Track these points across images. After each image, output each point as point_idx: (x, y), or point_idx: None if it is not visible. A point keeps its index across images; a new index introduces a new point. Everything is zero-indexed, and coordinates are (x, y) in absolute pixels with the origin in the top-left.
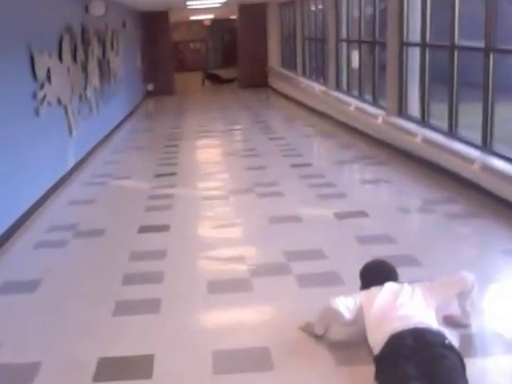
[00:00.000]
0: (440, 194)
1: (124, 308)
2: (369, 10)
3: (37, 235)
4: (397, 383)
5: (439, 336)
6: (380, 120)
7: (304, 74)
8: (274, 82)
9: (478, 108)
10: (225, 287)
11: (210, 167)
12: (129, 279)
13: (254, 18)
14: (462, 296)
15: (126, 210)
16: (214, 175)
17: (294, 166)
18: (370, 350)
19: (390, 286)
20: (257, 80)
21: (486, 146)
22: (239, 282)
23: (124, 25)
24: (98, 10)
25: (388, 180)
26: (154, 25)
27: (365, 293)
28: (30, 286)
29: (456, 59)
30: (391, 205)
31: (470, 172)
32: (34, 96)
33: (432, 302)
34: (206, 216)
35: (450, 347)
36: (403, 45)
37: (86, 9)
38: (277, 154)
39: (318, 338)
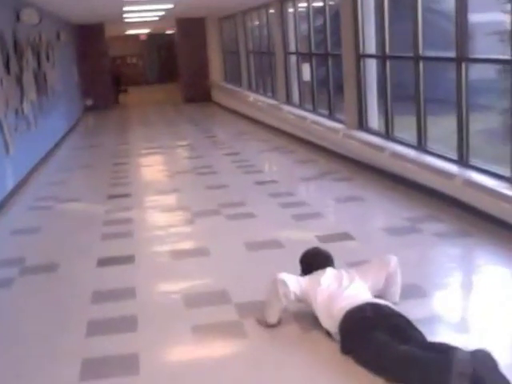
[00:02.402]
0: (420, 211)
1: (93, 369)
2: (318, 22)
3: None
4: (374, 350)
5: (390, 307)
6: (340, 134)
7: (250, 87)
8: (217, 96)
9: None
10: (213, 333)
11: (167, 186)
12: (95, 328)
13: (192, 31)
14: (390, 279)
15: (79, 238)
16: (174, 195)
17: (258, 183)
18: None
19: (331, 271)
20: (199, 95)
21: (462, 160)
22: (229, 325)
23: (58, 36)
24: (30, 18)
25: (361, 197)
26: (89, 38)
27: (308, 278)
28: None
29: (422, 70)
30: (374, 225)
31: (449, 187)
32: None
33: (367, 283)
34: (174, 243)
35: (401, 314)
36: (360, 57)
37: (18, 17)
38: (236, 171)
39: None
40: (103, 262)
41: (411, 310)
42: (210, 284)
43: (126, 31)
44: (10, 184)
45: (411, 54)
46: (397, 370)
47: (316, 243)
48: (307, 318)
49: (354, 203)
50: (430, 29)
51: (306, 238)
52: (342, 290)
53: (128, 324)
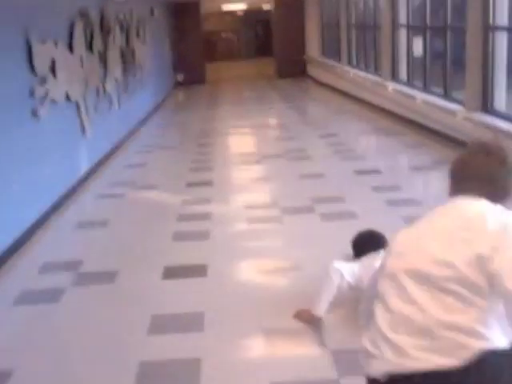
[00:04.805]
0: None
1: None
2: None
3: (23, 280)
4: None
5: None
6: (459, 116)
7: (350, 63)
8: (313, 71)
9: None
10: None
11: (254, 173)
12: (147, 372)
13: (289, 6)
14: None
15: (147, 237)
16: (260, 185)
17: (359, 172)
18: None
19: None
20: (294, 69)
21: None
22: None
23: (152, 13)
24: None
25: None
26: (184, 14)
27: (361, 263)
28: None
29: None
30: None
31: None
32: (32, 94)
33: None
34: (256, 251)
35: None
36: (489, 29)
37: None
38: (333, 157)
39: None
40: (169, 274)
41: None
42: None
43: (221, 7)
44: (83, 168)
45: None
46: None
47: None
48: None
49: None
50: None
51: None
52: None
53: (189, 371)
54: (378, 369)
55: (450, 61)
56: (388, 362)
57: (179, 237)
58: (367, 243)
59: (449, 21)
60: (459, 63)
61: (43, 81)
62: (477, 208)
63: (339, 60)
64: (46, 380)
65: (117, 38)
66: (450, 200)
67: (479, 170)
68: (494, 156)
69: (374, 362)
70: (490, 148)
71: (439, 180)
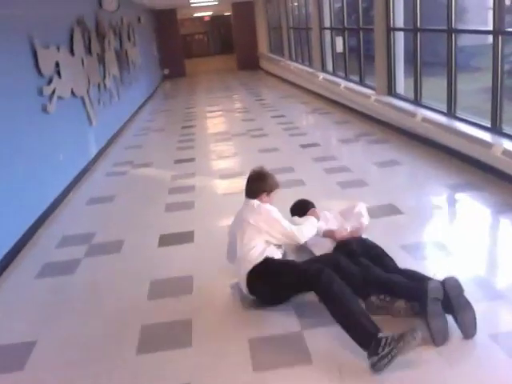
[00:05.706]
0: (460, 178)
1: None
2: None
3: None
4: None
5: (370, 240)
6: (372, 99)
7: (290, 57)
8: (264, 64)
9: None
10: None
11: (226, 149)
12: (146, 346)
13: (244, 13)
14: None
15: (146, 209)
16: (231, 159)
17: (303, 146)
18: None
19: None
20: (250, 63)
21: (495, 127)
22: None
23: (139, 20)
24: (110, 5)
25: (400, 161)
26: (165, 21)
27: (293, 220)
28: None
29: (454, 42)
30: (422, 200)
31: (487, 156)
32: (41, 92)
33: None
34: (230, 216)
35: (378, 245)
36: (390, 30)
37: (100, 4)
38: (283, 133)
39: None
40: (164, 241)
41: None
42: None
43: (193, 14)
44: (93, 151)
45: (444, 27)
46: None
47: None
48: None
49: (395, 168)
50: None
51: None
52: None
53: (182, 333)
54: None
55: (363, 55)
56: None
57: (170, 208)
58: (296, 210)
59: (361, 23)
60: (370, 57)
61: (50, 81)
62: (252, 203)
63: (283, 55)
64: (66, 344)
65: (111, 42)
66: (245, 200)
67: (252, 186)
68: (259, 180)
69: None
70: (258, 175)
71: (362, 150)
